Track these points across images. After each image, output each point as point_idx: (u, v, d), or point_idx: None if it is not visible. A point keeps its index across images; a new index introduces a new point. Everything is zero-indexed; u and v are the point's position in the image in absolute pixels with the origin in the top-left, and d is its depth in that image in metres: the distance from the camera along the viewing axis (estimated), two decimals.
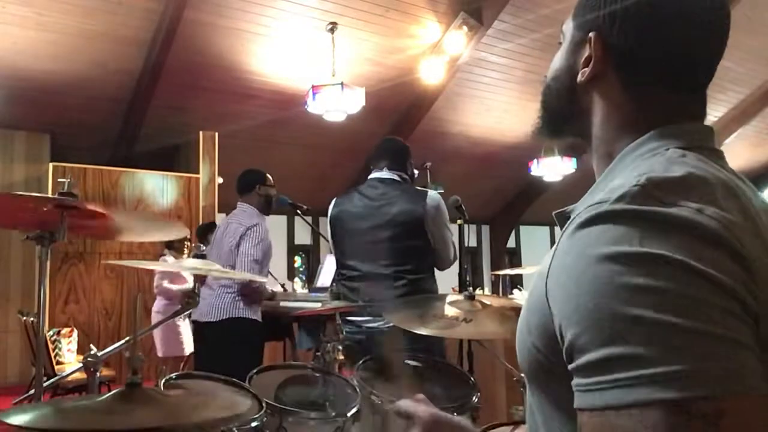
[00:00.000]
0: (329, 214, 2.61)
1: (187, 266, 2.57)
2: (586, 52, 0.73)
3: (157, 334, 4.98)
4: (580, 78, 0.74)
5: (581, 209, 0.61)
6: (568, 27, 0.79)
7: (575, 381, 0.55)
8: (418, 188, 2.54)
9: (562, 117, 0.79)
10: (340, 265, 2.53)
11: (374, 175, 2.60)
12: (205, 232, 5.10)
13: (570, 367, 0.56)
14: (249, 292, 3.26)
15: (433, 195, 2.45)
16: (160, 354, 4.98)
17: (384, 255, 2.39)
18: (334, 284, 2.64)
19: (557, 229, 0.73)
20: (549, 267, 0.61)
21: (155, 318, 4.90)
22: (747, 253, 0.54)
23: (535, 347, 0.64)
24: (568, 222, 0.62)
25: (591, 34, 0.72)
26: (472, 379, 1.85)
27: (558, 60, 0.79)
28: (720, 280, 0.52)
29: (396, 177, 2.55)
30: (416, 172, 2.71)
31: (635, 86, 0.71)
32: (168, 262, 4.58)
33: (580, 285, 0.55)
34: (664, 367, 0.49)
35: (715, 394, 0.48)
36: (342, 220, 2.53)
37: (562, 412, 0.65)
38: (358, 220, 2.47)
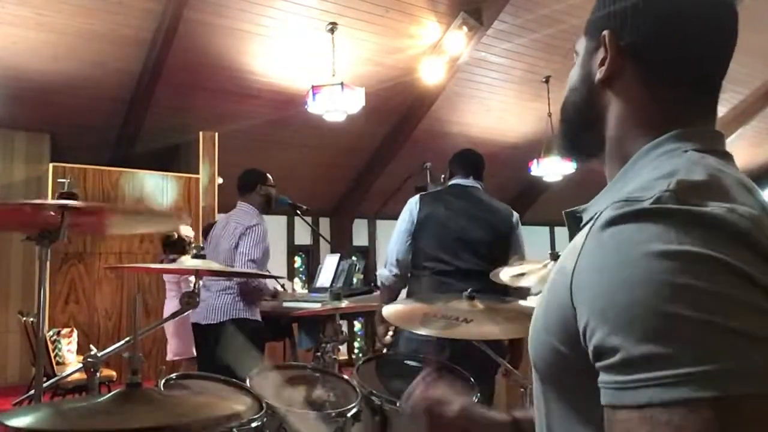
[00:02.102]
0: (414, 212, 2.74)
1: (189, 266, 2.57)
2: (601, 55, 0.74)
3: (175, 336, 4.92)
4: (597, 77, 0.74)
5: (604, 207, 0.60)
6: (581, 43, 0.80)
7: (606, 378, 0.54)
8: (498, 201, 2.85)
9: (581, 125, 0.79)
10: (425, 257, 2.68)
11: (459, 181, 2.84)
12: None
13: (600, 365, 0.55)
14: (248, 291, 3.25)
15: (513, 210, 2.83)
16: (175, 357, 4.86)
17: (476, 253, 2.64)
18: (415, 277, 2.77)
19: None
20: (575, 265, 0.60)
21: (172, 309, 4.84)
22: None
23: (555, 347, 0.64)
24: (593, 219, 0.61)
25: (604, 32, 0.73)
26: (471, 379, 1.86)
27: (573, 73, 0.80)
28: (757, 279, 0.52)
29: (479, 186, 2.84)
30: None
31: (653, 82, 0.72)
32: (180, 261, 4.55)
33: (614, 282, 0.54)
34: (709, 365, 0.48)
35: (763, 392, 0.48)
36: (436, 219, 2.71)
37: (580, 413, 0.64)
38: (453, 219, 2.68)
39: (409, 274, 2.75)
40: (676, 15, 0.70)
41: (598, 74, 0.74)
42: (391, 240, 2.79)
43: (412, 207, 2.76)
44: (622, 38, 0.72)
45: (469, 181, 2.83)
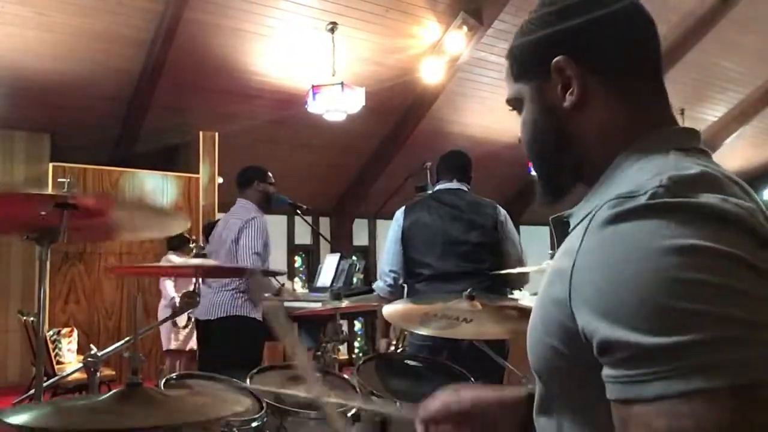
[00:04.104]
0: (401, 221, 2.81)
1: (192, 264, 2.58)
2: (558, 83, 0.73)
3: (164, 327, 4.98)
4: (566, 104, 0.73)
5: (594, 207, 0.61)
6: (516, 89, 0.79)
7: (613, 372, 0.54)
8: (485, 198, 2.86)
9: (557, 160, 0.78)
10: (414, 264, 2.74)
11: (445, 186, 2.87)
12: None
13: (606, 359, 0.55)
14: (254, 285, 3.28)
15: (498, 206, 2.83)
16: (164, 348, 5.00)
17: (462, 255, 2.68)
18: (405, 285, 2.82)
19: None
20: (573, 264, 0.59)
21: (163, 315, 4.90)
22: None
23: (554, 347, 0.64)
24: (587, 219, 0.61)
25: (558, 59, 0.72)
26: (471, 379, 1.86)
27: (528, 121, 0.79)
28: (759, 267, 0.53)
29: (464, 188, 2.87)
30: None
31: (619, 90, 0.72)
32: (173, 262, 4.57)
33: (619, 279, 0.54)
34: (722, 354, 0.49)
35: None
36: (421, 226, 2.76)
37: (584, 413, 0.65)
38: (437, 224, 2.72)
39: (404, 284, 2.79)
40: (612, 21, 0.72)
41: (567, 102, 0.73)
42: (383, 252, 2.85)
43: (398, 217, 2.83)
44: (576, 55, 0.72)
45: (453, 184, 2.85)
